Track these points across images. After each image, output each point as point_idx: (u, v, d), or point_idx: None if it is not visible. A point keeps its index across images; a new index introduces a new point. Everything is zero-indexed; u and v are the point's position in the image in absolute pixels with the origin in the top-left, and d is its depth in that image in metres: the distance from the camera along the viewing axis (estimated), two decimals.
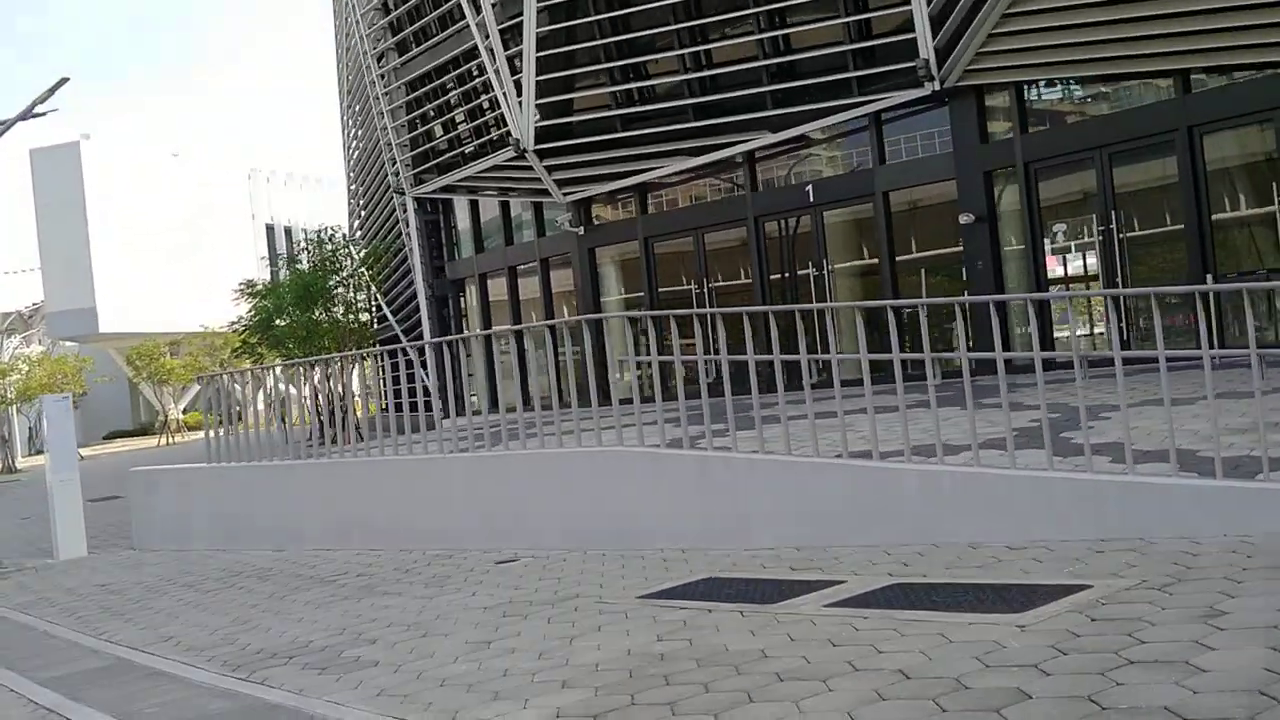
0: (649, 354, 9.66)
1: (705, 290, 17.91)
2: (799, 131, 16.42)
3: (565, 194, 18.95)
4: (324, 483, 12.26)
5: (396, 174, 26.33)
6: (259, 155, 76.86)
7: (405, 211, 27.08)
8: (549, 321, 10.64)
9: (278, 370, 15.46)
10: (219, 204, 69.44)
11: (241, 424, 14.10)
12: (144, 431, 64.07)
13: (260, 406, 14.92)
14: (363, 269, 31.47)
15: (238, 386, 14.94)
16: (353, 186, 39.38)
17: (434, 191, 22.28)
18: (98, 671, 7.38)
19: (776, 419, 9.10)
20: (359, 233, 33.52)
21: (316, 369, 14.39)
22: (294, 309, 27.56)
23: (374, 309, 32.44)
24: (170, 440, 56.17)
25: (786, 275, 17.34)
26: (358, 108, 35.91)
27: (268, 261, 69.17)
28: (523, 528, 10.13)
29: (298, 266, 28.26)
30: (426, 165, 22.28)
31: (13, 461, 49.51)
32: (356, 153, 38.32)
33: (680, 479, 8.97)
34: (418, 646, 6.74)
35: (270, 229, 77.89)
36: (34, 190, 61.16)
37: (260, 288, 35.76)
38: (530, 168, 18.73)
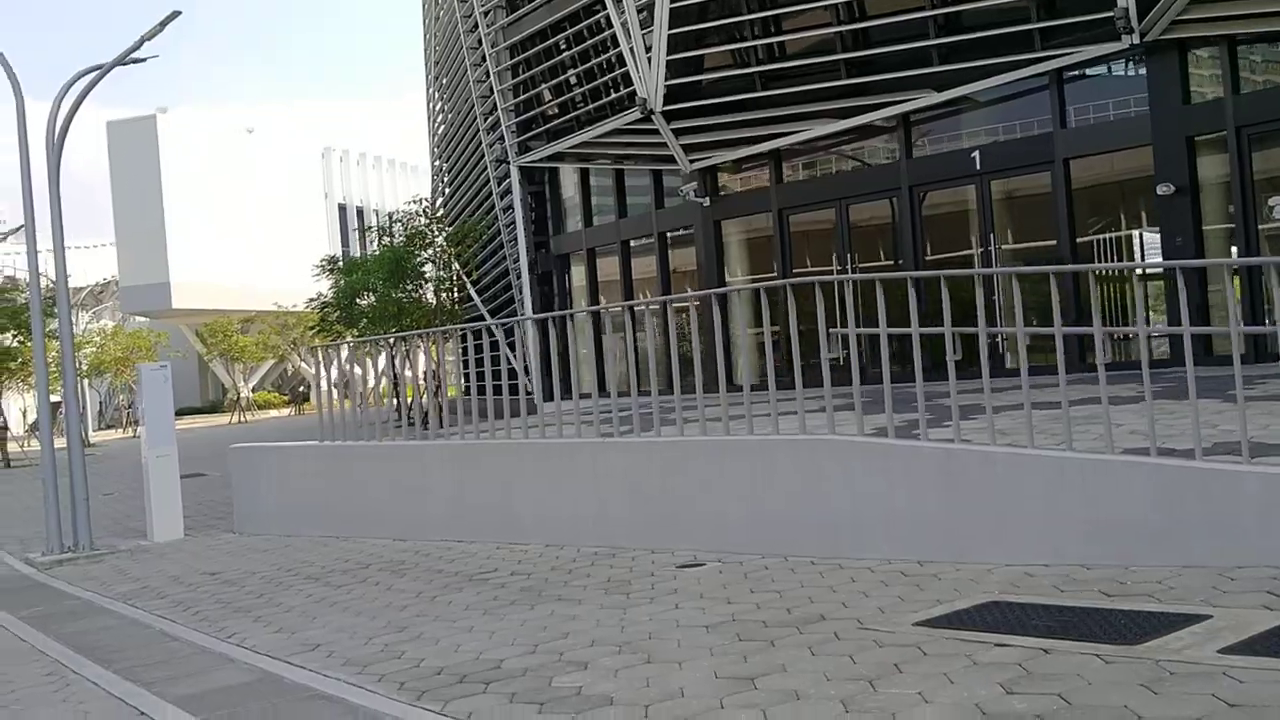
0: (859, 325, 8.15)
1: (848, 271, 16.24)
2: (969, 90, 14.76)
3: (692, 160, 17.43)
4: (453, 467, 10.88)
5: (495, 143, 25.04)
6: (333, 134, 75.97)
7: (502, 184, 25.77)
8: (720, 289, 9.13)
9: (392, 343, 14.10)
10: (293, 182, 68.86)
11: (352, 400, 12.83)
12: (213, 409, 63.60)
13: (371, 382, 13.65)
14: (448, 247, 30.28)
15: (357, 359, 13.61)
16: (436, 164, 38.25)
17: (541, 160, 20.86)
18: (241, 689, 6.02)
19: (982, 408, 7.55)
20: (441, 211, 32.27)
21: (421, 343, 13.03)
22: (384, 285, 26.36)
23: (456, 290, 31.23)
24: (242, 418, 55.54)
25: (944, 255, 15.66)
26: (445, 80, 34.73)
27: (341, 240, 68.84)
28: (696, 526, 8.68)
29: (389, 240, 27.03)
30: (534, 132, 20.86)
31: (86, 435, 49.03)
32: (442, 128, 37.16)
33: (916, 476, 7.46)
34: (651, 678, 5.31)
35: (343, 209, 77.37)
36: (110, 163, 60.76)
37: (344, 264, 34.80)
38: (654, 131, 17.25)
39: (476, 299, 30.11)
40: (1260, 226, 12.94)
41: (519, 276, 24.77)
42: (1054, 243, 14.50)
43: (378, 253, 28.56)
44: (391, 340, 13.29)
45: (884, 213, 16.39)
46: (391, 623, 7.34)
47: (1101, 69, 14.11)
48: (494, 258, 29.44)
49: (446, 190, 33.88)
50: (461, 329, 13.82)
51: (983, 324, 7.44)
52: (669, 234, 19.25)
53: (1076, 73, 14.21)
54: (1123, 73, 14.10)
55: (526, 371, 20.71)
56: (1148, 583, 5.99)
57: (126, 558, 11.95)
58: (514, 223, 24.97)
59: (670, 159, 17.71)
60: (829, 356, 7.95)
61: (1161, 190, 13.35)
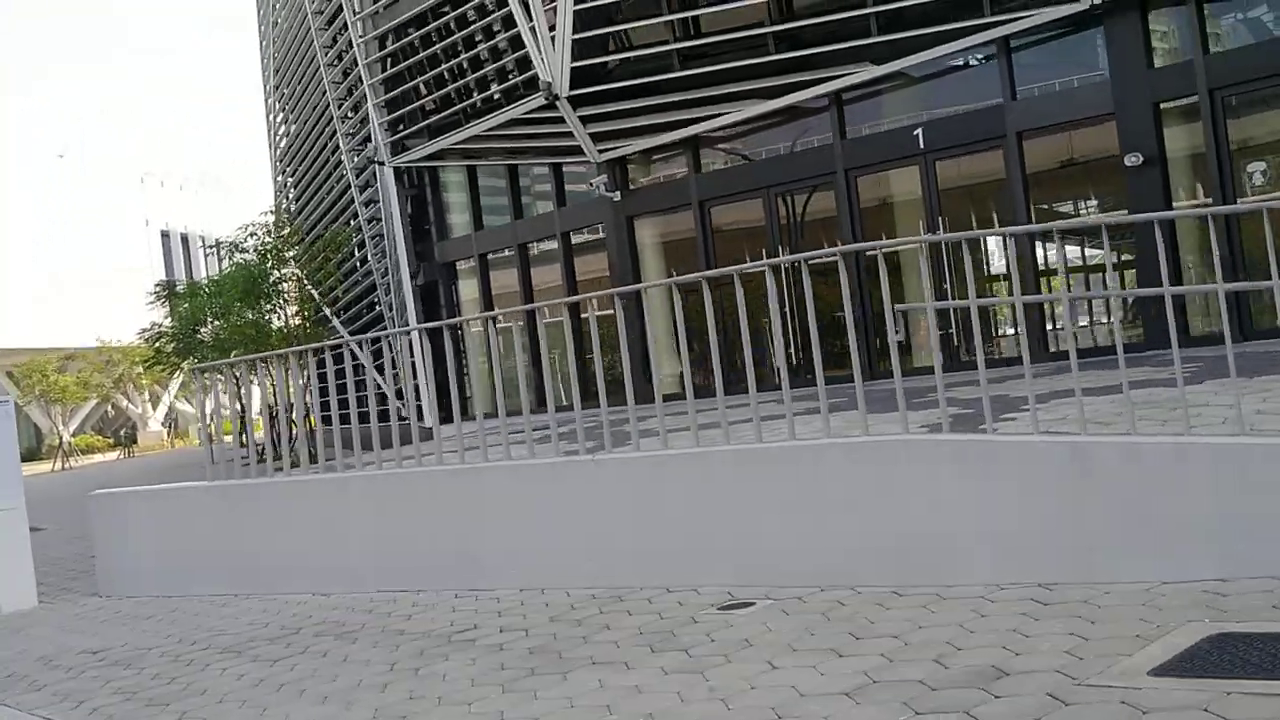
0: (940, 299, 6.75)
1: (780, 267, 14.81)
2: (910, 63, 13.62)
3: (602, 151, 15.86)
4: (387, 501, 9.01)
5: (358, 146, 22.96)
6: (159, 154, 71.19)
7: (365, 191, 23.68)
8: (731, 268, 7.60)
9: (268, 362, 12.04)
10: (110, 209, 64.27)
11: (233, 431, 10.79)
12: (30, 456, 58.50)
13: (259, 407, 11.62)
14: (303, 264, 27.92)
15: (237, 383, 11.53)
16: (279, 179, 35.68)
17: (420, 160, 18.94)
18: None
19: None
20: (290, 226, 29.78)
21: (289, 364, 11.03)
22: (240, 306, 23.85)
23: (309, 311, 28.82)
24: (65, 465, 51.07)
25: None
26: (287, 90, 32.37)
27: (165, 269, 64.49)
28: (724, 556, 7.11)
29: (242, 256, 24.53)
30: (409, 130, 18.95)
31: None
32: (284, 141, 34.70)
33: (1029, 479, 6.05)
34: None
35: (165, 235, 72.80)
36: None
37: (183, 289, 31.88)
38: (557, 120, 15.62)
39: (335, 320, 27.82)
40: (1240, 201, 12.09)
41: (389, 291, 22.70)
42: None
43: (228, 271, 26.03)
44: (269, 360, 11.30)
45: (819, 202, 15.11)
46: (381, 712, 5.52)
47: (1050, 35, 13.14)
48: (354, 274, 27.24)
49: (293, 206, 31.40)
50: (354, 339, 11.89)
51: (1065, 295, 6.11)
52: (574, 234, 17.60)
53: (1023, 40, 13.22)
54: (1073, 39, 13.17)
55: (400, 395, 18.77)
56: None
57: None
58: (381, 233, 22.94)
59: (575, 150, 16.10)
60: (894, 337, 6.49)
61: (1130, 161, 12.44)
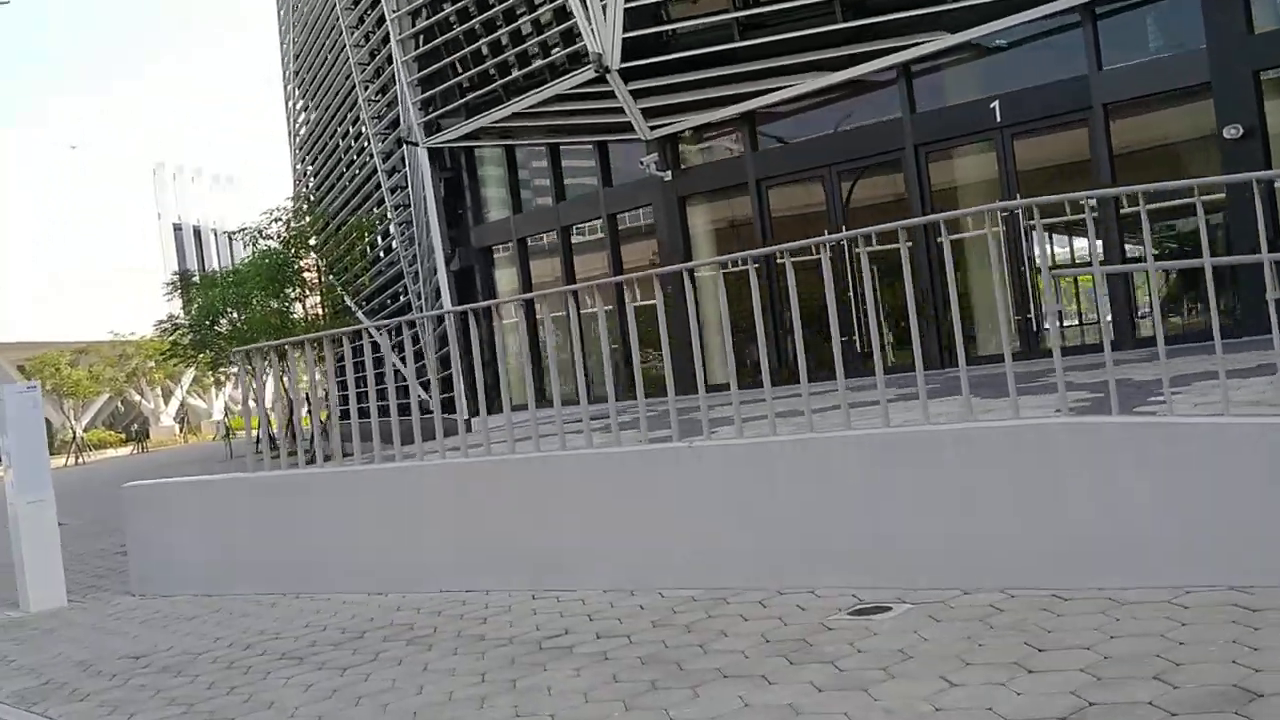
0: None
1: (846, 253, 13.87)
2: (984, 32, 12.82)
3: (653, 128, 15.09)
4: (458, 493, 8.27)
5: (388, 128, 22.21)
6: (165, 151, 70.55)
7: (393, 176, 22.92)
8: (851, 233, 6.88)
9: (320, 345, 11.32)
10: (123, 202, 63.59)
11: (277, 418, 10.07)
12: None
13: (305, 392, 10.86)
14: (324, 251, 27.20)
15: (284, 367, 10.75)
16: (299, 166, 34.94)
17: (457, 140, 18.17)
18: None
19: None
20: (314, 213, 29.01)
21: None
22: (264, 295, 23.15)
23: (331, 302, 28.07)
24: (80, 459, 50.42)
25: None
26: (309, 75, 31.64)
27: (178, 261, 63.75)
28: (846, 555, 6.36)
29: (266, 242, 23.82)
30: (444, 109, 18.17)
31: None
32: (304, 129, 33.96)
33: (1232, 469, 5.27)
34: None
35: (178, 229, 72.09)
36: None
37: (201, 279, 31.22)
38: (606, 95, 14.85)
39: (359, 311, 27.07)
40: None
41: (418, 280, 21.93)
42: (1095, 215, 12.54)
43: (249, 260, 25.31)
44: (317, 342, 10.55)
45: (887, 182, 14.28)
46: None
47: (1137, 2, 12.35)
48: (379, 263, 26.50)
49: (313, 195, 30.64)
50: (398, 321, 11.14)
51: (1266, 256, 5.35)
52: (621, 218, 16.81)
53: (1108, 8, 12.41)
54: (1162, 5, 12.37)
55: (426, 386, 18.04)
56: None
57: (1, 635, 8.94)
58: (409, 220, 22.18)
59: (624, 127, 15.33)
60: (1054, 308, 5.72)
61: (1229, 133, 11.64)
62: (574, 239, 17.56)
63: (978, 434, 5.98)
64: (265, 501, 9.38)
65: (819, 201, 14.67)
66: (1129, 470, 5.50)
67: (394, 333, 11.22)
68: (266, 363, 9.80)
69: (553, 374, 8.79)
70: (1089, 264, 5.42)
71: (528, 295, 15.10)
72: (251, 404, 10.16)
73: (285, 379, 11.11)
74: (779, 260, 7.02)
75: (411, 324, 9.77)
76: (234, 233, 24.61)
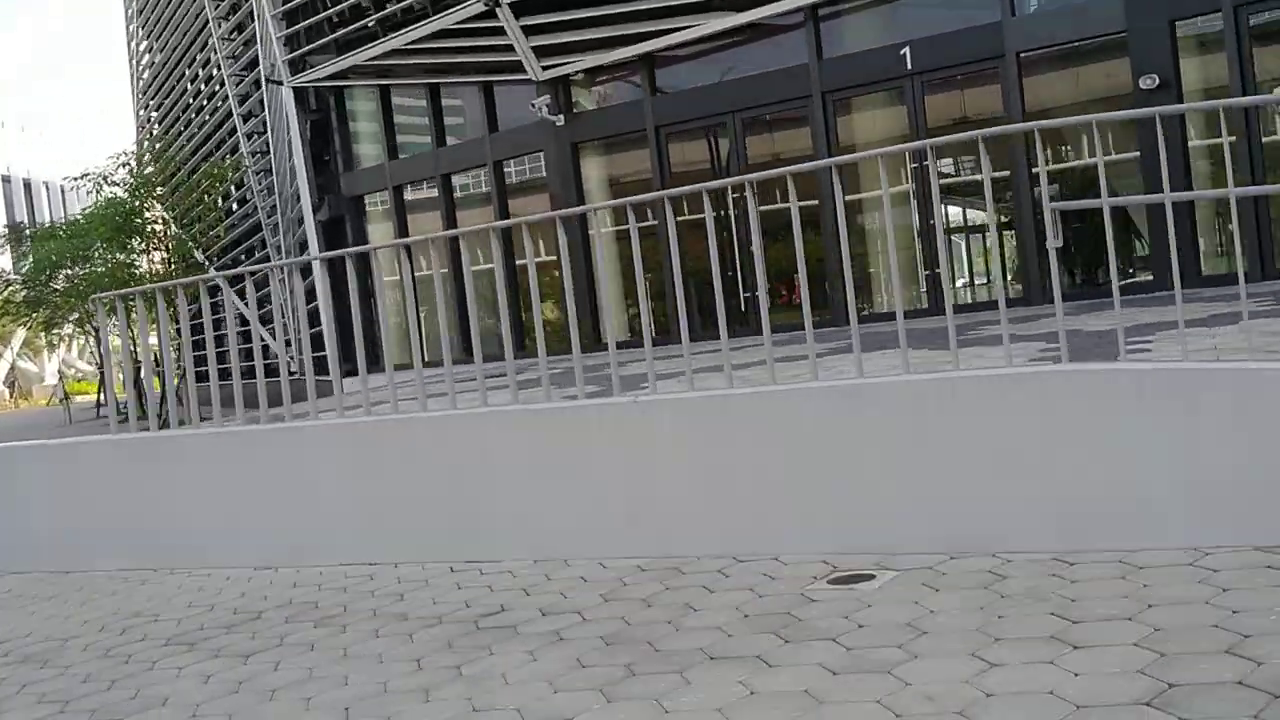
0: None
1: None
2: None
3: (545, 68, 14.21)
4: (360, 454, 7.39)
5: (244, 68, 20.74)
6: None
7: (249, 121, 21.46)
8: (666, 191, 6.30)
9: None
10: None
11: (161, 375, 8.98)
12: None
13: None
14: (172, 200, 25.49)
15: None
16: (142, 112, 32.77)
17: (325, 80, 16.95)
18: None
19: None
20: (158, 160, 27.12)
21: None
22: (108, 246, 21.39)
23: (176, 255, 26.31)
24: None
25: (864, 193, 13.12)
26: (151, 16, 29.62)
27: (6, 215, 59.68)
28: (812, 520, 5.77)
29: (112, 189, 22.01)
30: (313, 45, 16.92)
31: None
32: (147, 72, 31.85)
33: (1247, 416, 4.84)
34: None
35: (6, 180, 67.54)
36: None
37: (37, 232, 29.10)
38: (494, 32, 13.94)
39: (210, 266, 25.42)
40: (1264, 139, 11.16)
41: (278, 231, 20.61)
42: (1006, 173, 12.21)
43: (92, 209, 23.42)
44: (182, 288, 9.45)
45: (794, 133, 13.70)
46: None
47: None
48: (233, 215, 24.97)
49: (158, 144, 28.67)
50: (269, 266, 10.13)
51: None
52: (506, 163, 15.87)
53: None
54: None
55: (289, 344, 16.87)
56: None
57: None
58: (268, 167, 20.80)
59: (514, 66, 14.41)
60: (1054, 243, 5.19)
61: (1144, 84, 11.44)
62: (456, 193, 16.54)
63: (963, 384, 5.43)
64: (130, 467, 8.30)
65: (722, 149, 14.05)
66: (1135, 420, 5.02)
67: (258, 284, 10.20)
68: (132, 314, 8.68)
69: (443, 329, 7.97)
70: (1097, 199, 4.87)
71: (420, 238, 14.26)
72: (116, 359, 9.02)
73: (135, 334, 9.96)
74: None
75: (281, 270, 8.72)
76: (76, 178, 22.74)
